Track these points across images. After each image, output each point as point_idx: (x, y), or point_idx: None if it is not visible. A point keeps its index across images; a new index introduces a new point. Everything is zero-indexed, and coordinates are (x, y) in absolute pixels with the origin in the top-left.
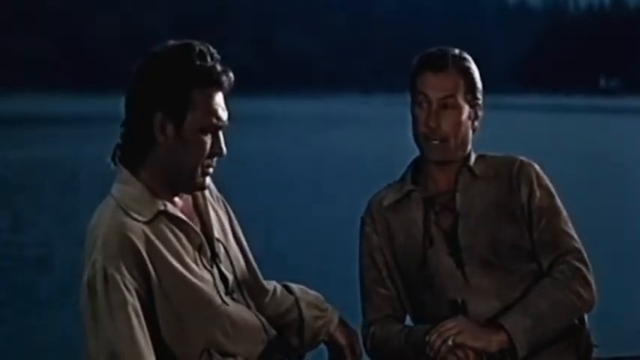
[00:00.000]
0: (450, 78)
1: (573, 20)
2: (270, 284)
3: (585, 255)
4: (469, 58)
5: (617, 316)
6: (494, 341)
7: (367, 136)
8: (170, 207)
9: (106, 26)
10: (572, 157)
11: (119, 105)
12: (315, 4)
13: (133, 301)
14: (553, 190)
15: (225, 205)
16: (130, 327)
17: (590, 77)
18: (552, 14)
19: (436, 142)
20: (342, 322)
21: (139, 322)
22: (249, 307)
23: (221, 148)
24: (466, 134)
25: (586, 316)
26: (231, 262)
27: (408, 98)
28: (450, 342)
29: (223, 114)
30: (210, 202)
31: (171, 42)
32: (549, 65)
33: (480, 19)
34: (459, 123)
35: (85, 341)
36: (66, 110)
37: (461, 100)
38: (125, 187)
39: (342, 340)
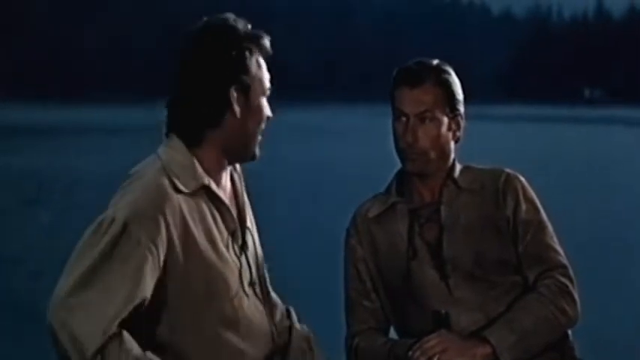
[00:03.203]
0: (427, 92)
1: (557, 30)
2: (277, 300)
3: (570, 270)
4: (448, 69)
5: (603, 328)
6: (479, 355)
7: (351, 146)
8: (214, 185)
9: (94, 33)
10: (557, 167)
11: (93, 115)
12: (299, 14)
13: (138, 265)
14: (539, 203)
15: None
16: (116, 288)
17: (574, 87)
18: (536, 24)
19: (415, 156)
20: None
21: (130, 290)
22: (264, 303)
23: (270, 111)
24: (446, 146)
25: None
26: (256, 254)
27: None
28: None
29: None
30: (245, 191)
31: (208, 20)
32: (533, 75)
33: (463, 29)
34: (437, 136)
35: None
36: (44, 120)
37: (439, 114)
38: (175, 153)
39: None
